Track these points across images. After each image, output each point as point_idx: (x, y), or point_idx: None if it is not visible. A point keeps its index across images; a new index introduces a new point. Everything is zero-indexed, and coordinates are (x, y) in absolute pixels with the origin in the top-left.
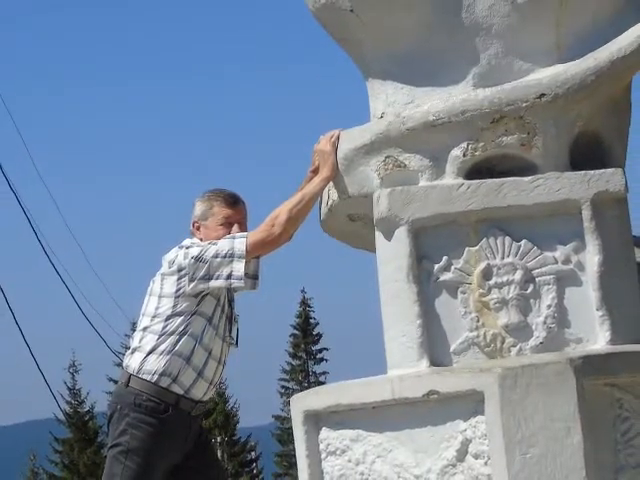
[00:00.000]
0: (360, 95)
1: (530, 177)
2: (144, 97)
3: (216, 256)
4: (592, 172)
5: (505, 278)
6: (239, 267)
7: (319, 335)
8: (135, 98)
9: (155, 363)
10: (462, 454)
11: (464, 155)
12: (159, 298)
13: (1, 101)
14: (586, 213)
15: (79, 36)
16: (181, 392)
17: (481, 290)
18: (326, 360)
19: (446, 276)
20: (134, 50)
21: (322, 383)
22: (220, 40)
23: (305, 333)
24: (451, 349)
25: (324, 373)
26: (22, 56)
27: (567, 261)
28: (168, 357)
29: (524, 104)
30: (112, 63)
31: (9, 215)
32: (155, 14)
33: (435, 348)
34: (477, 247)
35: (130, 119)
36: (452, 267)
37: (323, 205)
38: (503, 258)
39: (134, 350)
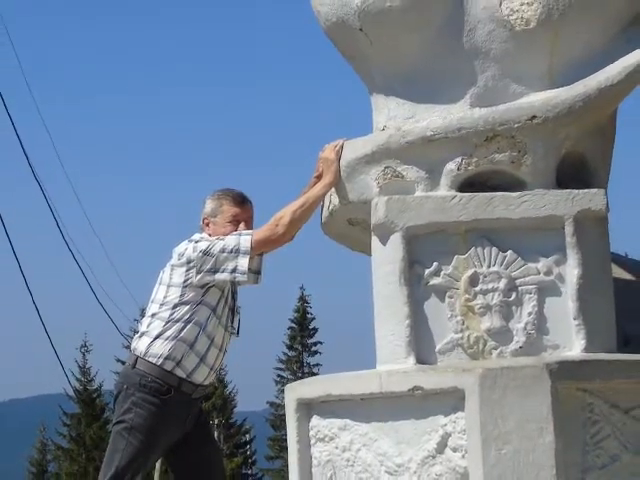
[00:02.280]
0: (364, 108)
1: (518, 193)
2: (163, 101)
3: (223, 251)
4: (576, 191)
5: (490, 285)
6: (243, 262)
7: (315, 329)
8: (154, 102)
9: (161, 347)
10: (442, 447)
11: (458, 169)
12: (168, 287)
13: (32, 98)
14: (569, 229)
15: (108, 40)
16: (184, 375)
17: (467, 295)
18: (320, 353)
19: (435, 281)
20: (156, 56)
21: (315, 374)
22: (243, 50)
23: (302, 327)
24: (436, 349)
25: (317, 365)
26: (51, 56)
27: (549, 272)
28: (173, 342)
29: (516, 125)
30: (131, 70)
31: (32, 204)
32: (173, 21)
33: (422, 347)
34: (466, 255)
35: (146, 123)
36: (441, 273)
37: (324, 209)
38: (489, 267)
39: (142, 334)
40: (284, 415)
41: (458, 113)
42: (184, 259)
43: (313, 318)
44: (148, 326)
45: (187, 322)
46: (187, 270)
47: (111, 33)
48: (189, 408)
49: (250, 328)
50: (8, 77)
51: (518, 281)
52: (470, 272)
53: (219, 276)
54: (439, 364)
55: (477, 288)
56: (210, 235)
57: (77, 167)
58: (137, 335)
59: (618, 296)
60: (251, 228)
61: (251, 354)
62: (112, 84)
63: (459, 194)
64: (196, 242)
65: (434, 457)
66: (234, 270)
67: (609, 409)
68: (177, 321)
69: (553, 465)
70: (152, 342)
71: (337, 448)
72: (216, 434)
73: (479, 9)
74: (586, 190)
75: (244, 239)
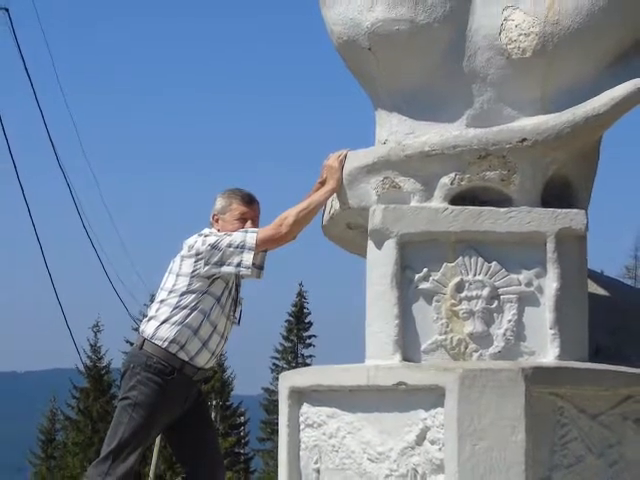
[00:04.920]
0: (368, 121)
1: (505, 209)
2: (184, 104)
3: (229, 246)
4: (559, 210)
5: (474, 292)
6: (248, 258)
7: (310, 323)
8: (177, 102)
9: (167, 331)
10: (421, 439)
11: (451, 183)
12: (177, 276)
13: (61, 92)
14: (550, 245)
15: (138, 41)
16: (186, 359)
17: (453, 300)
18: (314, 345)
19: (424, 285)
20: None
21: (308, 365)
22: (268, 62)
23: (298, 320)
24: (421, 348)
25: (311, 356)
26: (82, 54)
27: (529, 284)
28: (179, 327)
29: (507, 146)
30: (157, 69)
31: (56, 191)
32: (197, 27)
33: (408, 346)
34: (454, 263)
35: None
36: (430, 278)
37: (326, 213)
38: (475, 275)
39: (150, 318)
40: (277, 401)
41: (455, 132)
42: (193, 251)
43: (309, 313)
44: (156, 311)
45: (193, 309)
46: (196, 261)
47: (131, 32)
48: (190, 389)
49: (250, 319)
50: (39, 69)
51: (500, 290)
52: (457, 279)
53: (225, 269)
54: (423, 362)
55: (462, 294)
56: (219, 230)
57: (99, 157)
58: (146, 319)
59: (592, 310)
60: (257, 226)
61: (250, 343)
62: (136, 78)
63: (451, 207)
64: (205, 236)
65: (413, 448)
66: (239, 264)
67: (577, 413)
68: (183, 308)
69: (523, 462)
70: (159, 326)
71: (324, 434)
72: (213, 415)
73: (480, 37)
74: (568, 210)
75: (250, 236)
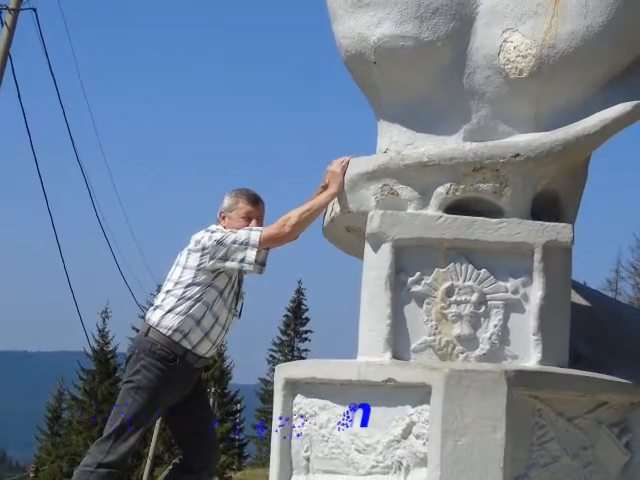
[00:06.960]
0: (371, 131)
1: (496, 219)
2: (201, 106)
3: (234, 242)
4: (547, 223)
5: (463, 297)
6: (251, 254)
7: (307, 319)
8: (192, 105)
9: (171, 320)
10: (407, 433)
11: (447, 193)
12: (183, 269)
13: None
14: (537, 256)
15: (162, 39)
16: (189, 347)
17: (443, 304)
18: (309, 340)
19: (416, 288)
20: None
21: (303, 358)
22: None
23: (296, 315)
24: (411, 347)
25: (306, 350)
26: (104, 54)
27: (515, 292)
28: (183, 317)
29: (501, 160)
30: (180, 72)
31: (73, 185)
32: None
33: (398, 345)
34: (445, 269)
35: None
36: (422, 282)
37: (327, 215)
38: (464, 281)
39: (156, 307)
40: (272, 391)
41: (452, 144)
42: (200, 246)
43: (307, 309)
44: (162, 301)
45: (197, 301)
46: (202, 256)
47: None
48: (190, 376)
49: (251, 312)
50: (63, 70)
51: (488, 296)
52: (447, 284)
53: (229, 264)
54: (412, 361)
55: (452, 298)
56: (225, 227)
57: (116, 152)
58: (152, 307)
59: (574, 319)
60: (262, 225)
61: (249, 335)
62: (155, 82)
63: (445, 215)
64: (212, 232)
65: (399, 441)
66: (242, 260)
67: (555, 416)
68: (188, 299)
69: (502, 459)
70: (164, 315)
71: (315, 425)
72: (211, 401)
73: (479, 56)
74: (556, 223)
75: (254, 234)
